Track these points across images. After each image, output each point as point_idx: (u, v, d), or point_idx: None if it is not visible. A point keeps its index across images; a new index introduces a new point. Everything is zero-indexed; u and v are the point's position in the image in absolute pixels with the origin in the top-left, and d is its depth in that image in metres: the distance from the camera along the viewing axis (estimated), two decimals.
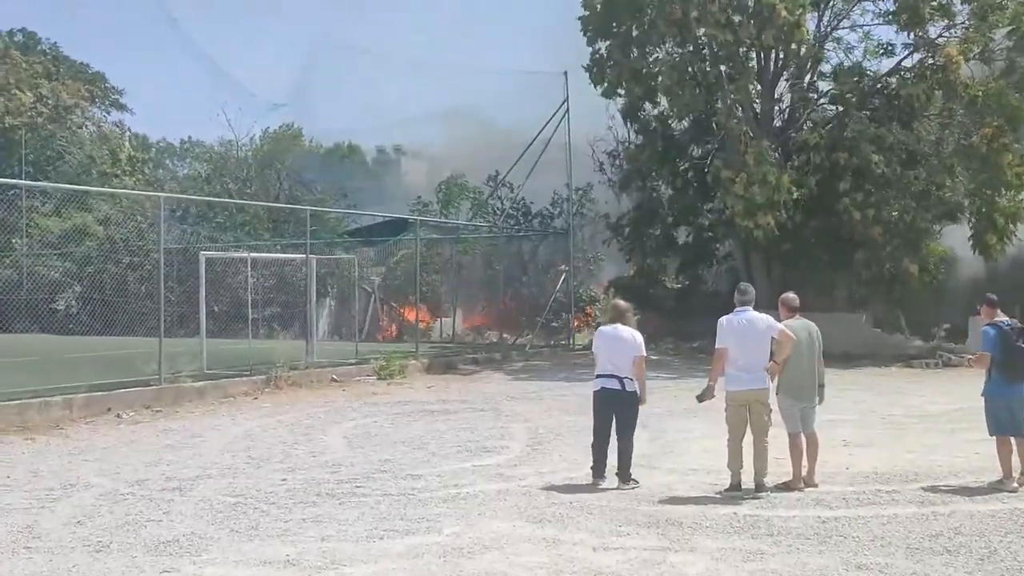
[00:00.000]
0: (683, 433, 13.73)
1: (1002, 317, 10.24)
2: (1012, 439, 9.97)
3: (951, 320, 26.84)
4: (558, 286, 30.01)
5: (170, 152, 57.58)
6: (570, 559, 7.54)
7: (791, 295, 10.54)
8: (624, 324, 10.38)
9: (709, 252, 30.80)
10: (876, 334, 25.80)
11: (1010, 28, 24.94)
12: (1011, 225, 25.15)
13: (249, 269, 20.87)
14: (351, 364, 21.60)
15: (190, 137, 55.69)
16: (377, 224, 33.81)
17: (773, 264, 26.98)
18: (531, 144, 29.31)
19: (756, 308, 10.16)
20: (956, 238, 27.48)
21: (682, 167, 28.91)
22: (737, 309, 10.00)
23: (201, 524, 8.74)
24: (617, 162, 32.15)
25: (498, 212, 33.37)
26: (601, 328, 10.66)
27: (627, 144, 31.63)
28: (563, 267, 31.36)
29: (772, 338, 9.79)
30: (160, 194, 22.04)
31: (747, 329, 9.79)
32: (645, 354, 10.30)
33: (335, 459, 12.02)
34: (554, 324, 31.57)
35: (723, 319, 10.01)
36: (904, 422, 14.98)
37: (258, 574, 7.29)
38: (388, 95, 58.42)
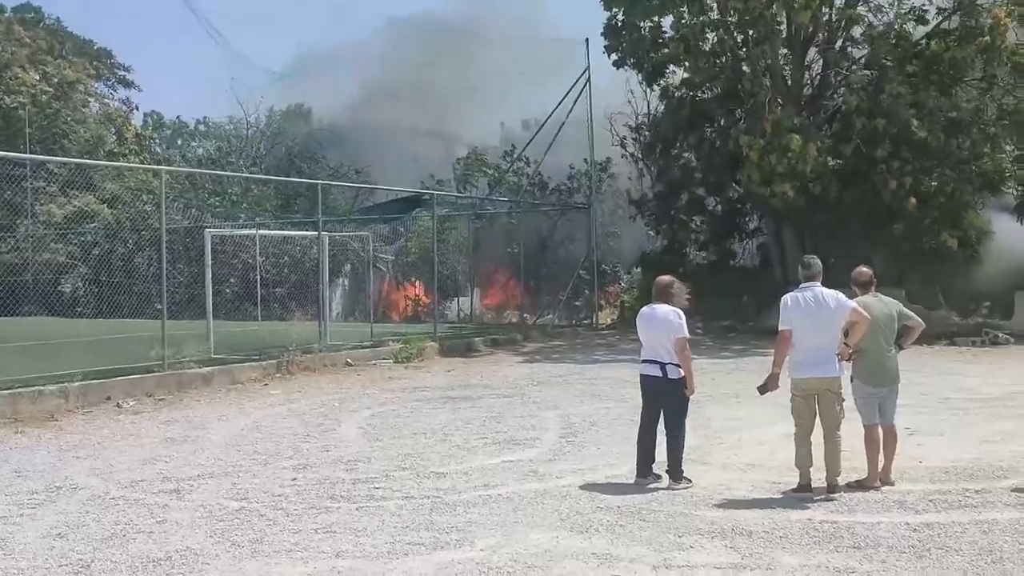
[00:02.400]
0: (730, 422, 12.59)
1: None
2: None
3: (991, 295, 25.60)
4: (581, 262, 28.73)
5: (184, 131, 56.45)
6: None
7: (863, 268, 9.34)
8: (665, 302, 9.18)
9: (738, 225, 29.51)
10: (918, 310, 24.41)
11: None
12: None
13: (257, 247, 19.72)
14: (366, 347, 20.54)
15: (205, 117, 54.56)
16: (391, 201, 32.65)
17: (807, 237, 25.67)
18: (551, 115, 27.98)
19: (790, 286, 8.97)
20: (998, 210, 26.20)
21: (709, 135, 27.57)
22: (802, 285, 8.79)
23: (198, 536, 7.64)
24: (640, 135, 30.94)
25: (515, 188, 32.13)
26: (642, 309, 9.47)
27: (649, 115, 30.43)
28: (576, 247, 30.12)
29: (845, 318, 8.59)
30: (163, 167, 20.92)
31: (814, 308, 8.59)
32: (687, 335, 9.11)
33: (351, 454, 10.92)
34: (576, 303, 30.42)
35: (787, 296, 8.81)
36: (966, 406, 13.80)
37: None
38: (396, 66, 56.78)
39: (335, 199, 33.62)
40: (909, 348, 9.42)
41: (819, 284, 8.71)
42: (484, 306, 32.59)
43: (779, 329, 8.76)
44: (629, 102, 32.42)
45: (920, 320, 9.22)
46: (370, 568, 6.77)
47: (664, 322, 9.11)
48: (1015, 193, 25.21)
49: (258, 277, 19.55)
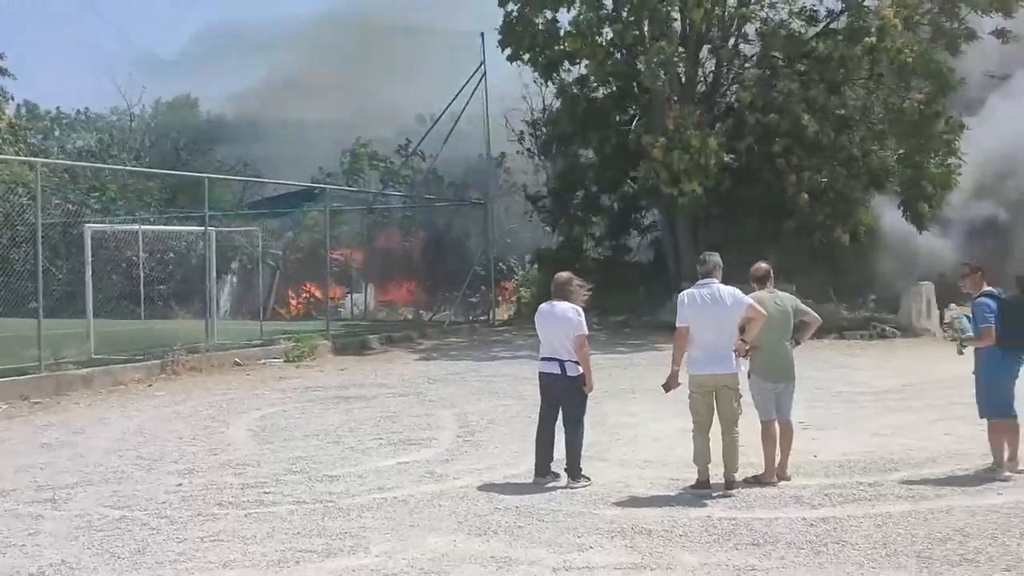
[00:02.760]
0: (627, 418, 12.55)
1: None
2: (1006, 422, 8.94)
3: (879, 290, 26.38)
4: (477, 258, 28.51)
5: (63, 123, 54.09)
6: None
7: (761, 264, 9.35)
8: (564, 299, 9.04)
9: (634, 221, 29.73)
10: (811, 305, 24.94)
11: None
12: (941, 192, 24.59)
13: (140, 243, 18.95)
14: (256, 346, 19.96)
15: (87, 109, 52.38)
16: (282, 195, 31.92)
17: (700, 233, 26.00)
18: (446, 109, 27.68)
19: (683, 282, 8.96)
20: (883, 206, 26.97)
21: (605, 133, 27.67)
22: (699, 282, 8.74)
23: (75, 548, 7.20)
24: (537, 131, 30.91)
25: (409, 183, 31.70)
26: (540, 306, 9.31)
27: (546, 111, 30.41)
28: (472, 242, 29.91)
29: (741, 314, 8.58)
30: (39, 160, 19.96)
31: (711, 304, 8.54)
32: (586, 332, 8.99)
33: (239, 458, 10.50)
34: (473, 299, 30.21)
35: (683, 293, 8.75)
36: (857, 399, 14.08)
37: None
38: (287, 60, 55.74)
39: (221, 194, 32.65)
40: (805, 341, 9.46)
41: (716, 280, 8.66)
42: (379, 303, 32.14)
43: (676, 326, 8.70)
44: (524, 97, 32.41)
45: (816, 316, 9.29)
46: None
47: (563, 319, 8.97)
48: (899, 190, 25.90)
49: (141, 274, 18.76)
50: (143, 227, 19.86)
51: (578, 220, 28.91)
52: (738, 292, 8.65)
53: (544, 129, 29.67)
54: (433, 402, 14.33)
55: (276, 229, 29.86)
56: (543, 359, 9.08)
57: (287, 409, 13.85)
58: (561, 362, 8.95)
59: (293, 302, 31.39)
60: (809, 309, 9.28)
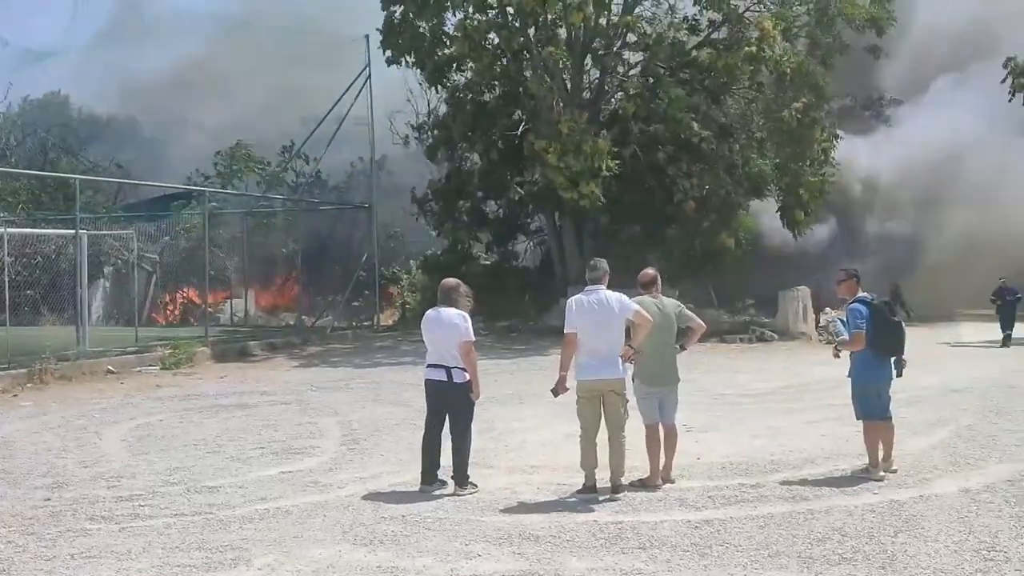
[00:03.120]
0: (514, 423, 12.53)
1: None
2: (880, 424, 9.23)
3: (756, 294, 27.11)
4: (361, 263, 28.12)
5: None
6: None
7: (648, 270, 9.41)
8: (451, 305, 8.96)
9: (521, 226, 29.84)
10: (692, 310, 25.46)
11: (811, 5, 25.13)
12: (817, 199, 25.42)
13: (4, 247, 18.08)
14: (131, 353, 19.25)
15: None
16: (159, 198, 31.00)
17: (586, 239, 26.26)
18: (330, 112, 27.24)
19: (570, 287, 9.05)
20: (761, 212, 27.76)
21: (493, 137, 27.70)
22: (587, 288, 8.76)
23: None
24: (423, 134, 30.74)
25: (292, 185, 31.10)
26: (427, 312, 9.21)
27: (431, 114, 30.31)
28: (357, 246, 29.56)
29: (628, 320, 8.64)
30: None
31: (598, 311, 8.56)
32: (473, 338, 8.91)
33: (113, 470, 10.07)
34: (356, 304, 29.81)
35: (571, 299, 8.76)
36: (738, 402, 14.40)
37: None
38: (162, 58, 54.04)
39: (93, 196, 31.47)
40: (690, 347, 9.56)
41: (604, 287, 8.70)
42: (260, 308, 31.46)
43: (565, 332, 8.70)
44: (409, 100, 32.25)
45: (700, 322, 9.41)
46: None
47: (450, 325, 8.88)
48: (776, 198, 26.65)
49: (6, 279, 17.90)
50: (8, 230, 18.89)
51: (464, 225, 28.85)
52: (625, 298, 8.70)
53: (430, 133, 29.50)
54: (316, 410, 14.05)
55: (152, 233, 28.92)
56: (429, 366, 8.98)
57: (164, 418, 13.38)
58: (448, 369, 8.85)
59: (170, 308, 30.43)
60: (693, 315, 9.40)
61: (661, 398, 9.05)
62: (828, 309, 23.24)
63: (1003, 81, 26.54)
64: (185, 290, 29.51)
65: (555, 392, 8.70)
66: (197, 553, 7.05)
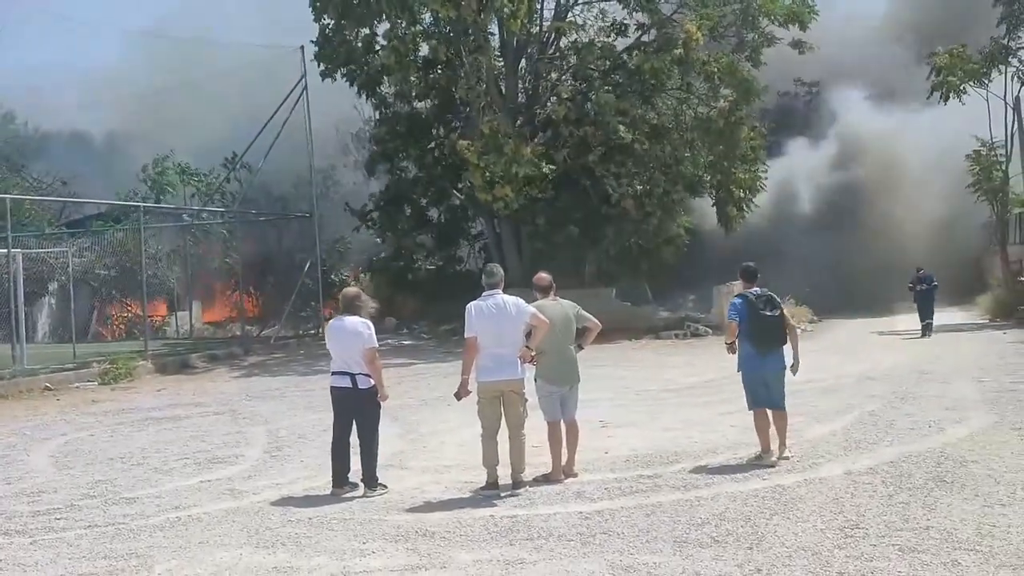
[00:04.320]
0: (439, 425, 12.87)
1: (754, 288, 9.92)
2: (769, 412, 9.69)
3: (699, 291, 27.64)
4: (304, 272, 28.34)
5: None
6: None
7: (543, 274, 9.80)
8: (354, 313, 9.29)
9: (463, 231, 30.21)
10: (626, 308, 26.03)
11: (737, 5, 25.69)
12: (748, 195, 25.99)
13: None
14: (69, 369, 19.34)
15: None
16: (103, 213, 30.96)
17: (524, 240, 26.66)
18: (267, 124, 27.39)
19: (508, 288, 9.41)
20: (700, 210, 28.28)
21: (429, 146, 28.04)
22: (485, 293, 9.13)
23: None
24: (364, 144, 31.00)
25: (235, 196, 31.20)
26: (331, 322, 9.54)
27: (373, 124, 30.54)
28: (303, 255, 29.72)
29: (525, 323, 9.01)
30: None
31: (496, 315, 8.94)
32: (376, 345, 9.25)
33: (36, 485, 10.29)
34: (303, 313, 29.98)
35: (470, 305, 9.13)
36: (661, 396, 14.82)
37: None
38: (102, 69, 53.88)
39: (38, 213, 31.39)
40: (588, 346, 9.90)
41: (500, 292, 9.07)
42: (206, 321, 31.54)
43: (465, 337, 9.07)
44: (355, 107, 32.41)
45: (596, 321, 9.77)
46: None
47: (353, 333, 9.19)
48: (712, 195, 27.17)
49: None
50: None
51: (405, 232, 29.17)
52: (521, 302, 9.07)
53: (369, 145, 29.75)
54: (246, 419, 14.32)
55: (86, 249, 28.94)
56: (334, 373, 9.29)
57: (94, 433, 13.58)
58: (352, 375, 9.17)
59: (116, 323, 30.43)
60: (590, 316, 9.76)
61: (562, 396, 9.41)
62: None
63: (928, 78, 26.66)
64: (130, 304, 29.49)
65: (457, 396, 9.08)
66: (102, 562, 7.31)
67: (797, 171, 32.67)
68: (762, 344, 9.63)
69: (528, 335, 9.07)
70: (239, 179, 31.78)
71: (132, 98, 51.09)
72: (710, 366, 18.16)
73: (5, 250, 19.21)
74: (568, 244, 25.90)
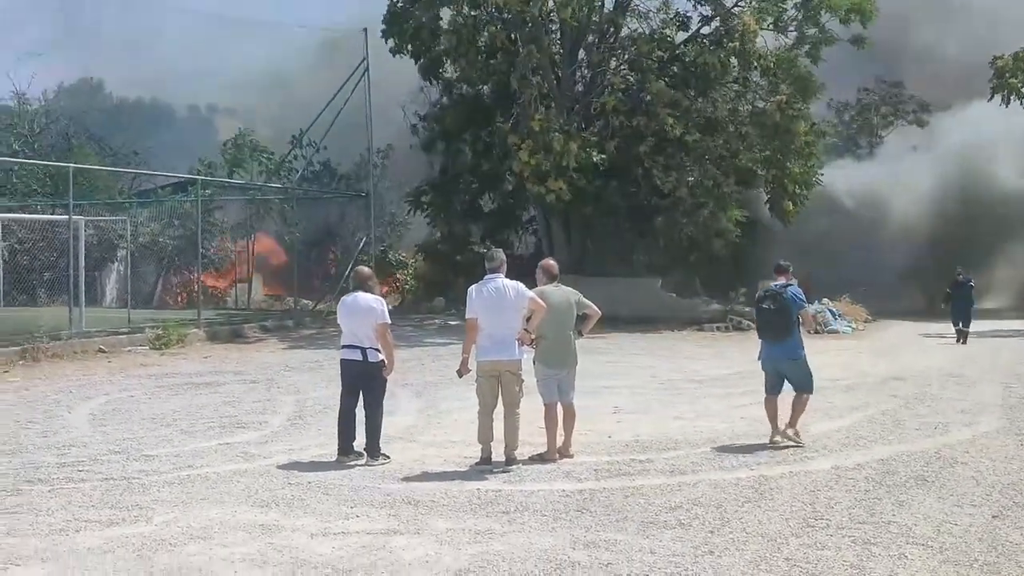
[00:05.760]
0: (457, 403, 13.15)
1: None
2: (777, 399, 10.23)
3: (748, 284, 27.56)
4: (359, 250, 28.99)
5: None
6: (281, 548, 6.88)
7: (550, 261, 10.20)
8: (366, 291, 9.75)
9: (515, 217, 30.55)
10: (672, 299, 26.14)
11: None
12: (803, 191, 25.89)
13: (0, 232, 19.09)
14: (123, 334, 20.19)
15: None
16: (171, 184, 32.02)
17: (573, 229, 26.91)
18: (329, 103, 28.08)
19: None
20: (753, 203, 28.21)
21: (485, 131, 28.42)
22: (486, 277, 9.49)
23: None
24: (425, 127, 31.48)
25: (298, 173, 32.05)
26: (343, 297, 10.00)
27: (435, 104, 31.00)
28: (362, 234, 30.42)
29: (524, 306, 9.35)
30: None
31: (496, 298, 9.31)
32: (389, 321, 9.70)
33: (69, 439, 10.95)
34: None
35: (472, 288, 9.53)
36: (682, 386, 15.02)
37: None
38: (185, 48, 55.56)
39: (109, 183, 32.57)
40: (587, 333, 10.17)
41: (501, 276, 9.42)
42: (265, 293, 32.45)
43: (466, 318, 9.46)
44: (422, 90, 32.88)
45: (596, 309, 10.04)
46: (35, 545, 6.96)
47: (367, 310, 9.64)
48: (766, 189, 27.09)
49: (1, 261, 18.92)
50: (3, 215, 19.91)
51: (458, 216, 29.65)
52: (521, 286, 9.42)
53: (432, 126, 30.19)
54: (280, 388, 14.88)
55: (161, 218, 30.01)
56: (345, 347, 9.73)
57: (134, 394, 14.26)
58: (363, 349, 9.61)
59: (180, 291, 31.52)
60: (590, 303, 10.02)
61: (559, 379, 9.72)
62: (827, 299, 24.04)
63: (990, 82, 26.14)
64: (191, 274, 30.49)
65: (459, 373, 9.48)
66: (108, 511, 7.86)
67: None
68: (761, 334, 10.35)
69: (528, 319, 9.41)
70: (304, 156, 32.61)
71: (211, 74, 52.63)
72: (741, 359, 18.19)
73: (65, 217, 20.10)
74: (618, 233, 26.08)
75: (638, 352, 19.01)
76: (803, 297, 10.30)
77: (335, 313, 10.29)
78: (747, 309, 25.39)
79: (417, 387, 14.45)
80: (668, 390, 14.62)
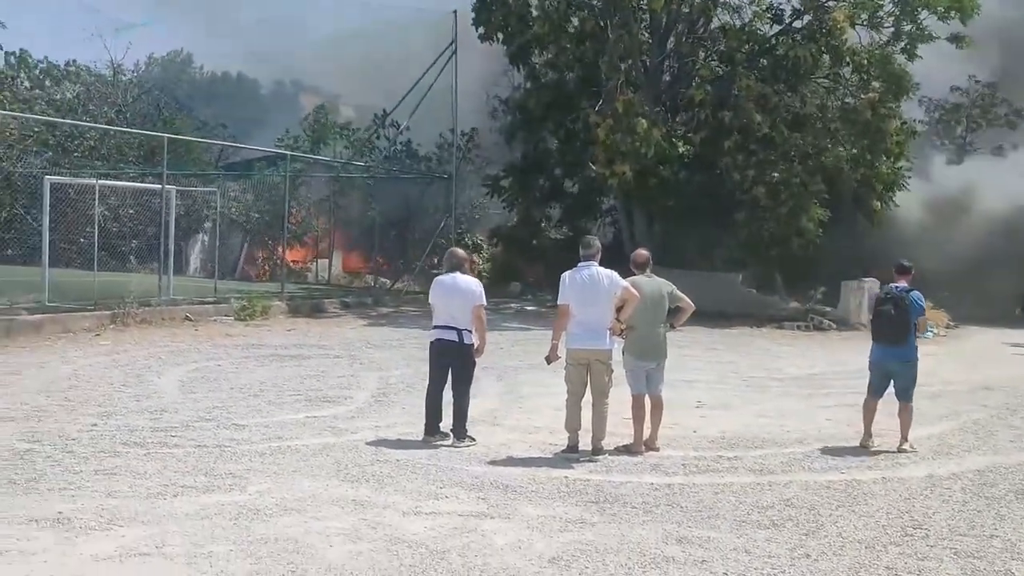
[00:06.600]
0: (540, 388, 13.15)
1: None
2: (878, 402, 10.14)
3: (827, 283, 27.04)
4: (439, 230, 29.16)
5: (54, 73, 54.25)
6: (374, 524, 6.95)
7: (641, 251, 10.13)
8: (463, 273, 9.78)
9: (594, 205, 30.40)
10: (751, 295, 25.77)
11: None
12: (890, 192, 25.33)
13: (97, 197, 19.53)
14: (209, 303, 20.56)
15: (75, 60, 52.67)
16: (257, 158, 32.49)
17: (655, 220, 26.70)
18: (416, 84, 28.24)
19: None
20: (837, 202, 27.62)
21: (569, 119, 28.30)
22: (580, 264, 9.44)
23: None
24: (508, 112, 31.44)
25: (381, 152, 32.30)
26: (439, 278, 10.02)
27: (517, 90, 30.93)
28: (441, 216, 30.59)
29: (617, 295, 9.29)
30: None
31: (589, 285, 9.26)
32: (485, 303, 9.72)
33: (161, 404, 11.20)
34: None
35: (565, 275, 9.47)
36: (764, 384, 14.79)
37: (17, 533, 6.48)
38: (273, 22, 56.39)
39: (200, 154, 33.18)
40: (683, 327, 10.16)
41: (596, 263, 9.37)
42: (345, 270, 32.79)
43: (558, 304, 9.42)
44: (506, 73, 32.85)
45: (690, 302, 9.94)
46: (135, 507, 7.13)
47: (466, 291, 9.68)
48: (853, 188, 26.51)
49: (96, 228, 19.37)
50: (100, 182, 20.36)
51: (536, 201, 29.60)
52: (615, 275, 9.35)
53: (515, 111, 30.14)
54: (362, 364, 15.03)
55: (236, 192, 30.53)
56: (438, 327, 9.77)
57: (222, 363, 14.51)
58: (459, 331, 9.66)
59: (262, 264, 32.04)
60: (683, 296, 9.92)
61: (648, 371, 9.66)
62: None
63: None
64: (275, 247, 30.94)
65: (548, 360, 9.46)
66: (203, 478, 8.02)
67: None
68: (875, 336, 10.23)
69: (619, 308, 9.35)
70: (388, 136, 32.85)
71: (300, 51, 53.25)
72: (822, 360, 18.00)
73: (159, 186, 20.51)
74: (698, 226, 25.77)
75: (717, 347, 18.79)
76: (923, 303, 10.08)
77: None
78: (828, 309, 25.01)
79: (499, 371, 14.45)
80: (750, 387, 14.41)
